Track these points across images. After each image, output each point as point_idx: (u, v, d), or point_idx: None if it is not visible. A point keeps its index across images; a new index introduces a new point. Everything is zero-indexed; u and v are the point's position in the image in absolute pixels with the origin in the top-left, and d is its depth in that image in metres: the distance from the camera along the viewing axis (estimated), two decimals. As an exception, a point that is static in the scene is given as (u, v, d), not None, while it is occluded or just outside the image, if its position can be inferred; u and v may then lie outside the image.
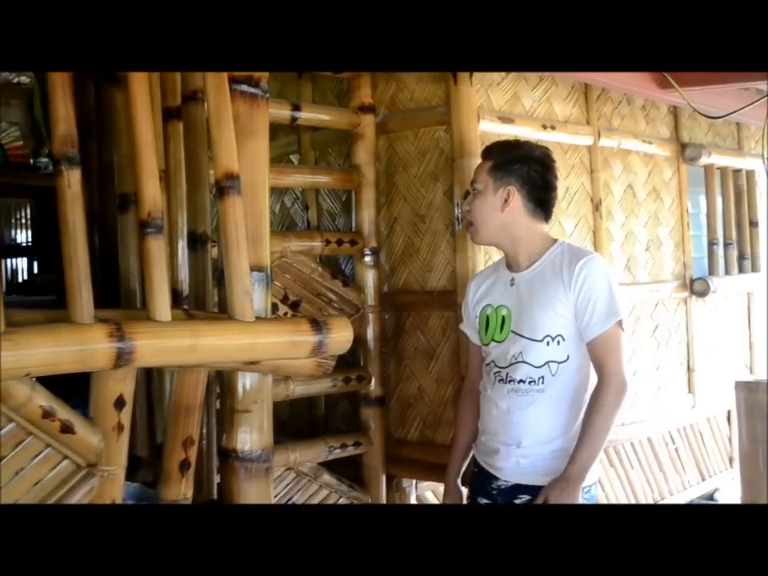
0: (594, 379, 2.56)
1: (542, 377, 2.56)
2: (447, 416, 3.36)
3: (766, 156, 4.14)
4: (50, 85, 1.93)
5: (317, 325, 2.25)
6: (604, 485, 4.31)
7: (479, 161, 2.77)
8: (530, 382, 2.57)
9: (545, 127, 3.59)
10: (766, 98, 4.03)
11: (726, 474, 5.09)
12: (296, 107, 3.32)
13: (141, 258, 2.16)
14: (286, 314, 3.26)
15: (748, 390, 3.61)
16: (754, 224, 5.01)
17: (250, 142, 2.27)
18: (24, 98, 5.72)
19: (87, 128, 2.97)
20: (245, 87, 2.24)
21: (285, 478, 3.22)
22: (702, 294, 4.48)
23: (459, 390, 3.03)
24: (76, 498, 2.04)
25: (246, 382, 2.35)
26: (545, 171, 2.66)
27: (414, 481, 3.58)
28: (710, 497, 4.98)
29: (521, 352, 2.59)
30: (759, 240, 5.04)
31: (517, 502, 2.56)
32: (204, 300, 2.58)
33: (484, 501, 2.67)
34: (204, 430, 2.60)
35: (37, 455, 1.99)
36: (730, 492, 4.83)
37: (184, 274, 2.59)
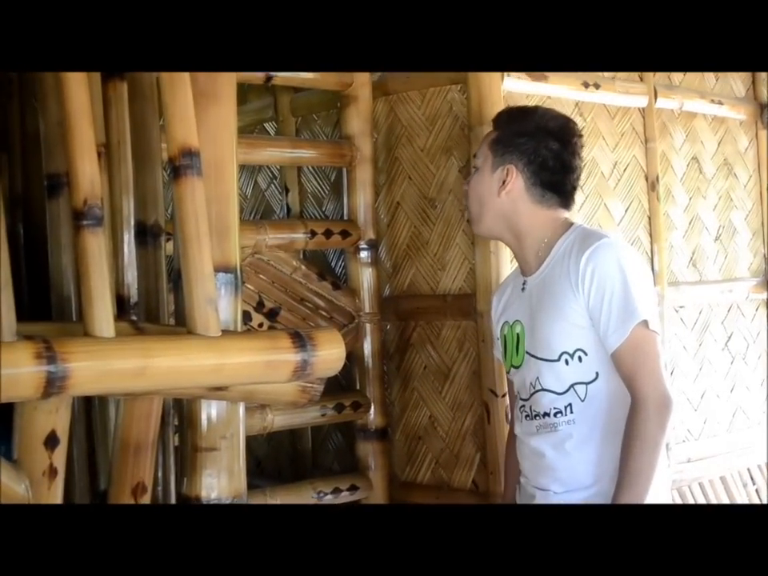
0: None
1: (569, 404, 2.55)
2: (466, 452, 3.36)
3: None
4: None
5: (300, 339, 2.25)
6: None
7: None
8: (555, 414, 2.56)
9: (586, 85, 3.59)
10: None
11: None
12: (271, 63, 3.32)
13: (76, 256, 2.15)
14: (261, 325, 3.26)
15: None
16: None
17: (213, 107, 2.27)
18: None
19: (6, 87, 2.97)
20: (205, 38, 2.25)
21: (262, 533, 3.22)
22: (788, 294, 4.48)
23: (481, 419, 3.04)
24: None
25: (211, 412, 2.34)
26: (561, 148, 2.65)
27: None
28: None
29: (537, 378, 2.59)
30: None
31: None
32: (157, 309, 2.57)
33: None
34: (159, 473, 2.60)
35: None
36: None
37: (131, 276, 2.58)
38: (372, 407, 3.48)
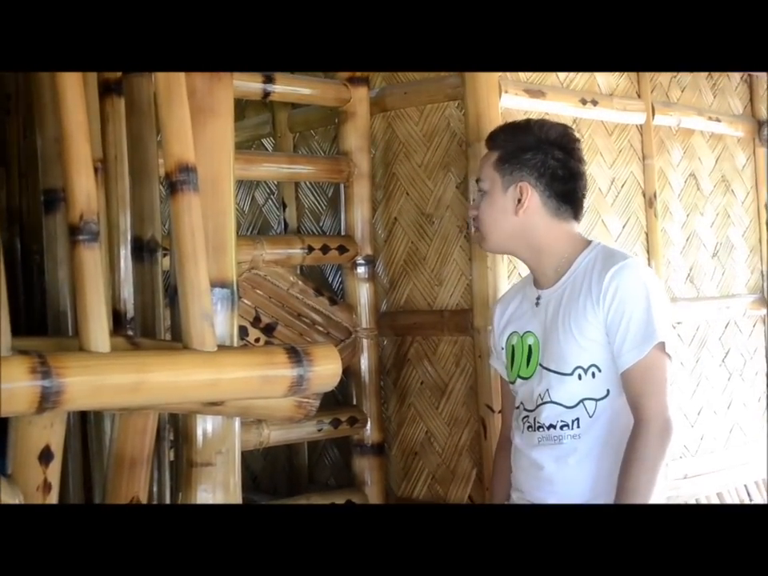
0: None
1: (577, 419, 2.56)
2: (463, 468, 3.36)
3: None
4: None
5: (296, 355, 2.24)
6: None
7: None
8: (562, 427, 2.57)
9: (584, 102, 3.60)
10: None
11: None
12: (269, 78, 3.32)
13: (72, 271, 2.15)
14: (257, 340, 3.26)
15: None
16: None
17: (210, 123, 2.27)
18: None
19: (4, 103, 2.97)
20: (202, 53, 2.25)
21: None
22: (785, 310, 4.48)
23: (478, 435, 3.03)
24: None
25: (206, 427, 2.34)
26: (566, 156, 2.67)
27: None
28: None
29: (547, 390, 2.60)
30: None
31: None
32: (153, 324, 2.57)
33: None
34: (154, 488, 2.59)
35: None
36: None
37: (127, 291, 2.58)
38: (369, 422, 3.48)
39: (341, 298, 3.53)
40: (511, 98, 3.34)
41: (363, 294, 3.49)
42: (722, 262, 4.30)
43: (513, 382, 2.73)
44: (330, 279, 3.72)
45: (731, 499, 4.60)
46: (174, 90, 2.16)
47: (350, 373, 3.45)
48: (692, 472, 3.99)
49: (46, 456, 2.04)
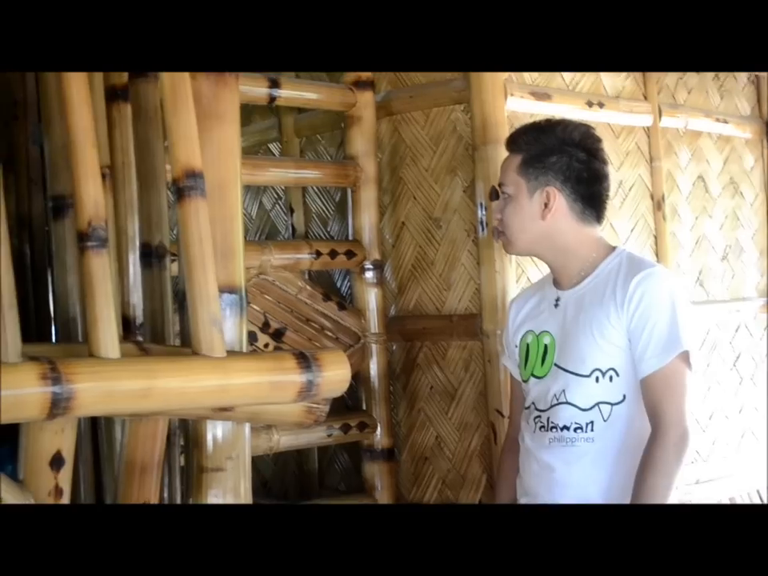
0: None
1: (591, 422, 2.56)
2: (473, 472, 3.36)
3: None
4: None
5: (305, 360, 2.25)
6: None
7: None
8: (575, 429, 2.57)
9: (590, 104, 3.61)
10: None
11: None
12: (274, 83, 3.33)
13: (81, 277, 2.16)
14: (266, 345, 3.27)
15: None
16: None
17: (217, 128, 2.27)
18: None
19: (12, 109, 2.98)
20: (209, 59, 2.26)
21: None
22: (796, 313, 4.48)
23: (488, 440, 3.04)
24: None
25: (216, 432, 2.34)
26: (589, 158, 2.66)
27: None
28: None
29: (563, 390, 2.60)
30: None
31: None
32: (162, 330, 2.57)
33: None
34: (165, 494, 2.60)
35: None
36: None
37: (137, 297, 2.58)
38: (378, 428, 3.48)
39: (349, 302, 3.53)
40: (517, 100, 3.35)
41: (372, 298, 3.50)
42: (732, 264, 4.30)
43: (526, 381, 2.72)
44: (339, 284, 3.73)
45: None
46: (181, 95, 2.17)
47: (359, 378, 3.45)
48: (704, 477, 3.98)
49: (57, 462, 2.04)
